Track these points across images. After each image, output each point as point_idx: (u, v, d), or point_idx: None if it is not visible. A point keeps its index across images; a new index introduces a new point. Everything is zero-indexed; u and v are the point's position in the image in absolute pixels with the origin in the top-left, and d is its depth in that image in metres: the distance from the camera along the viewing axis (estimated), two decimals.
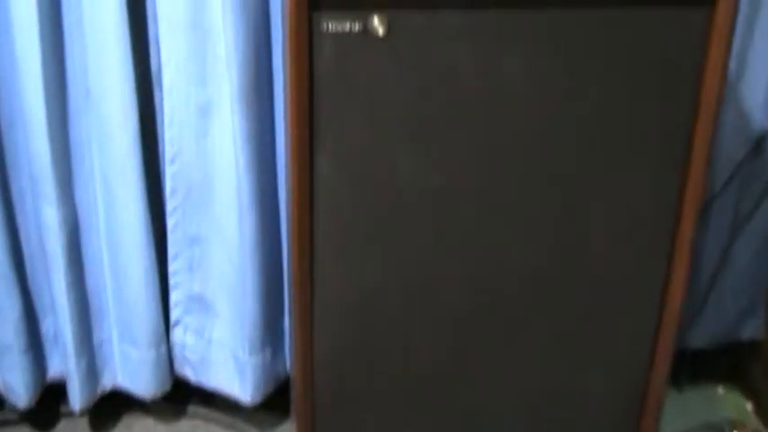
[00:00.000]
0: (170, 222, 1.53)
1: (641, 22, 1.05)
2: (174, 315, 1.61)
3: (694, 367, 1.79)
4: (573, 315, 1.19)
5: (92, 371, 1.60)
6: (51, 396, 1.64)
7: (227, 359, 1.62)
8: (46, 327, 1.60)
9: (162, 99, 1.44)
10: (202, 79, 1.42)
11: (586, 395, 1.24)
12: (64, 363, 1.59)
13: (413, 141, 1.08)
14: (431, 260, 1.15)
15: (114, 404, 1.69)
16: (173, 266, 1.57)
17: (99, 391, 1.63)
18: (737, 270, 1.70)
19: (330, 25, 1.01)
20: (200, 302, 1.60)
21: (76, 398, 1.59)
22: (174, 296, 1.59)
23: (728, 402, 1.77)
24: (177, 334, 1.63)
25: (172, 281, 1.58)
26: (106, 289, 1.58)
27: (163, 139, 1.47)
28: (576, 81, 1.07)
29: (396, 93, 1.05)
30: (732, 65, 1.51)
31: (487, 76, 1.06)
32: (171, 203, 1.51)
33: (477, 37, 1.04)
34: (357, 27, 1.02)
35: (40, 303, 1.58)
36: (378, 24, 1.02)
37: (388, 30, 1.02)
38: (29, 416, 1.67)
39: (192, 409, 1.74)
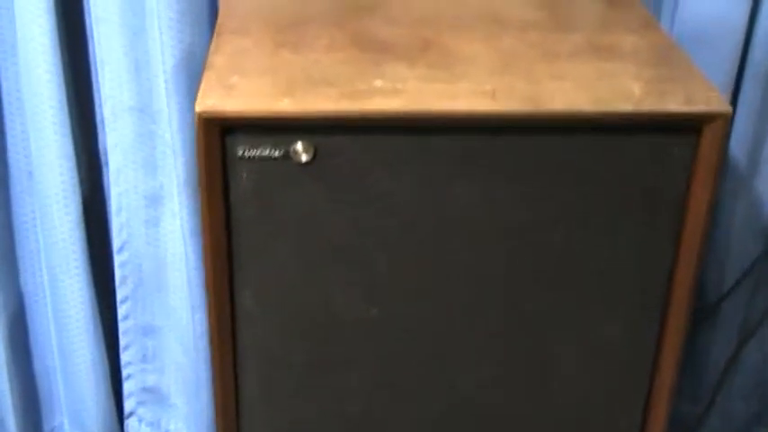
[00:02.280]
0: (121, 312, 1.43)
1: (617, 151, 0.91)
2: (127, 406, 1.51)
3: None
4: None
5: None
6: None
7: None
8: None
9: (109, 185, 1.33)
10: (151, 166, 1.30)
11: None
12: None
13: (348, 273, 0.95)
14: (372, 399, 1.02)
15: None
16: (125, 357, 1.47)
17: None
18: (748, 373, 1.55)
19: (246, 151, 0.88)
20: (154, 394, 1.49)
21: None
22: (127, 387, 1.50)
23: None
24: (132, 426, 1.52)
25: (124, 372, 1.48)
26: (56, 375, 1.48)
27: (111, 227, 1.36)
28: (539, 212, 0.93)
29: (327, 222, 0.92)
30: (743, 159, 1.36)
31: (432, 205, 0.92)
32: (121, 292, 1.41)
33: (420, 162, 0.90)
34: (278, 153, 0.89)
35: None
36: (302, 150, 0.88)
37: (315, 155, 0.89)
38: None
39: None
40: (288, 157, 0.89)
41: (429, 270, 0.96)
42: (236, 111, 0.87)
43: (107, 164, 1.32)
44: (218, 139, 0.88)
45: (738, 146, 1.34)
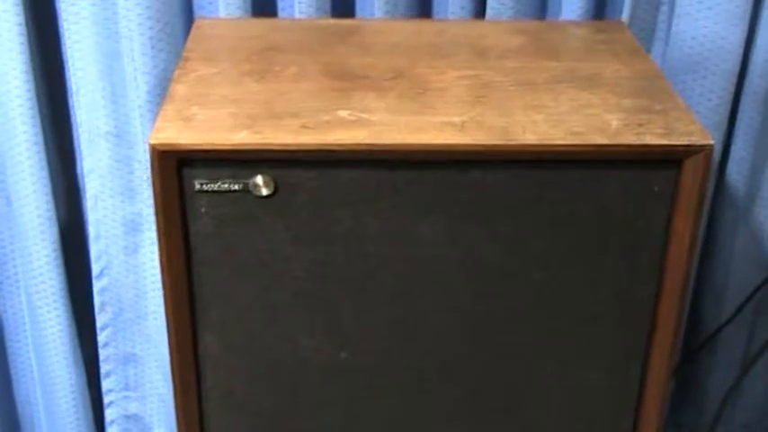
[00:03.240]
0: (101, 339, 1.40)
1: (594, 186, 0.87)
2: None
3: None
4: None
5: None
6: None
7: None
8: None
9: (87, 212, 1.30)
10: (129, 192, 1.27)
11: None
12: None
13: (313, 316, 0.91)
14: None
15: None
16: (105, 384, 1.44)
17: None
18: (749, 403, 1.50)
19: (204, 184, 0.85)
20: (136, 422, 1.46)
21: None
22: (109, 415, 1.47)
23: None
24: None
25: (106, 399, 1.46)
26: (38, 402, 1.45)
27: (90, 254, 1.33)
28: (513, 252, 0.89)
29: (289, 262, 0.89)
30: (742, 186, 1.31)
31: (399, 244, 0.88)
32: (101, 319, 1.38)
33: (386, 198, 0.86)
34: (237, 186, 0.85)
35: None
36: (262, 184, 0.85)
37: (275, 189, 0.85)
38: None
39: None
40: (248, 190, 0.86)
41: (398, 313, 0.92)
42: (192, 143, 0.84)
43: (84, 190, 1.29)
44: (175, 172, 0.84)
45: (736, 172, 1.29)
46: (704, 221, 1.36)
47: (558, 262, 0.89)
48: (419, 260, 0.89)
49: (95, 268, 1.34)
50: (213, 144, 0.83)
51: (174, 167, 0.84)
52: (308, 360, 0.93)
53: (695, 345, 1.48)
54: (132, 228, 1.30)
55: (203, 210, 0.87)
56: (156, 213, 0.86)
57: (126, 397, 1.45)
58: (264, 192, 0.85)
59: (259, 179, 0.85)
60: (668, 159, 0.86)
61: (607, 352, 0.94)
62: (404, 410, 0.97)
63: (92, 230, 1.31)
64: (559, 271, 0.90)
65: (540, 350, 0.94)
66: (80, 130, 1.25)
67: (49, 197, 1.26)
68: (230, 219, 0.87)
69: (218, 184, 0.85)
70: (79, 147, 1.27)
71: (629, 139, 0.85)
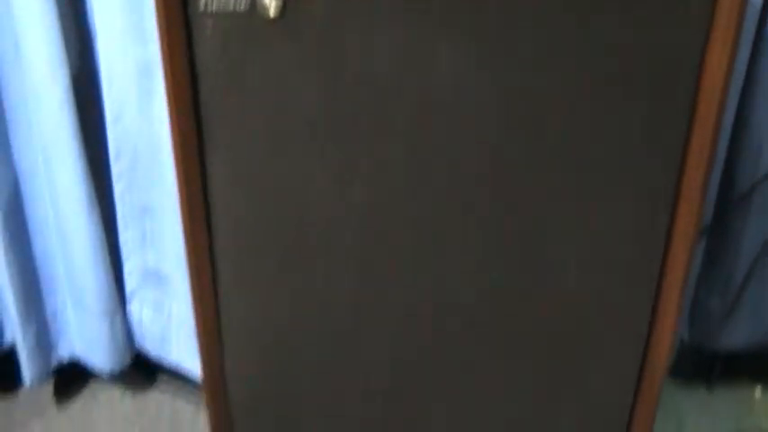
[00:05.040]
0: (117, 189, 1.38)
1: (626, 8, 0.80)
2: (128, 287, 1.48)
3: (728, 366, 1.60)
4: (538, 355, 0.97)
5: (44, 341, 1.49)
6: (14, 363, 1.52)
7: (187, 337, 1.47)
8: None
9: (98, 56, 1.25)
10: (141, 34, 1.23)
11: None
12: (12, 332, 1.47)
13: (324, 146, 0.87)
14: (354, 288, 0.95)
15: (80, 373, 1.57)
16: (123, 237, 1.42)
17: (54, 361, 1.53)
18: None
19: (209, 5, 0.80)
20: (155, 276, 1.45)
21: (26, 369, 1.48)
22: (128, 267, 1.46)
23: (766, 406, 1.56)
24: (134, 307, 1.49)
25: (124, 251, 1.44)
26: (56, 256, 1.44)
27: (102, 101, 1.29)
28: (537, 81, 0.84)
29: (298, 90, 0.84)
30: None
31: (415, 70, 0.83)
32: (116, 168, 1.36)
33: (402, 20, 0.81)
34: (243, 6, 0.80)
35: None
36: (268, 3, 0.80)
37: (283, 11, 0.80)
38: None
39: (160, 380, 1.61)
40: (255, 11, 0.81)
41: (413, 146, 0.87)
42: None
43: (95, 32, 1.25)
44: None
45: None
46: (740, 83, 1.30)
47: (588, 89, 0.84)
48: (437, 86, 0.84)
49: (109, 115, 1.31)
50: None
51: None
52: (317, 194, 0.90)
53: (727, 204, 1.43)
54: (145, 72, 1.26)
55: (209, 33, 0.82)
56: (161, 37, 0.81)
57: (144, 250, 1.43)
58: (272, 12, 0.80)
59: None
60: None
61: (635, 191, 0.89)
62: (418, 251, 0.93)
63: (104, 76, 1.27)
64: (588, 100, 0.84)
65: (565, 185, 0.89)
66: None
67: (59, 40, 1.21)
68: (237, 42, 0.82)
69: (224, 4, 0.80)
70: None
71: None
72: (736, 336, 1.54)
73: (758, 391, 1.62)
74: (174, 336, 1.49)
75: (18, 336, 1.45)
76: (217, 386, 1.03)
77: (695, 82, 0.84)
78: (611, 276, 0.94)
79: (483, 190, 0.89)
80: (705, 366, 1.63)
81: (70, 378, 1.59)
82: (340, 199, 0.89)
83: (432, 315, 0.96)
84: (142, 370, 1.58)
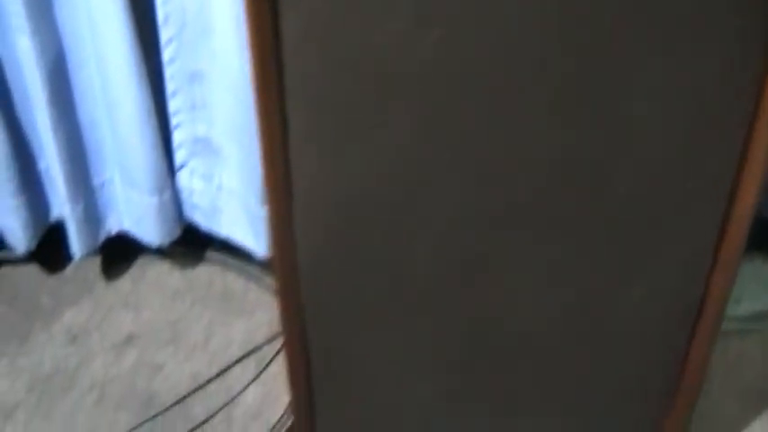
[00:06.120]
0: (166, 55, 1.33)
1: None
2: (178, 158, 1.44)
3: None
4: (612, 217, 0.94)
5: (92, 214, 1.47)
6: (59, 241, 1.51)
7: (238, 208, 1.45)
8: (41, 168, 1.45)
9: None
10: None
11: (626, 314, 1.02)
12: (60, 206, 1.45)
13: None
14: (430, 146, 0.91)
15: (129, 247, 1.56)
16: (173, 104, 1.38)
17: (102, 235, 1.51)
18: None
19: None
20: (205, 145, 1.42)
21: (75, 242, 1.47)
22: (177, 137, 1.42)
23: None
24: (183, 178, 1.46)
25: (173, 120, 1.40)
26: (102, 127, 1.41)
27: None
28: None
29: None
30: None
31: None
32: (165, 33, 1.31)
33: None
34: None
35: (31, 143, 1.42)
36: None
37: None
38: (38, 256, 1.56)
39: (210, 254, 1.60)
40: None
41: None
42: None
43: None
44: None
45: None
46: None
47: None
48: None
49: None
50: None
51: None
52: (391, 44, 0.85)
53: None
54: None
55: None
56: None
57: (194, 118, 1.40)
58: None
59: None
60: None
61: (723, 46, 0.84)
62: (492, 111, 0.89)
63: None
64: None
65: (652, 38, 0.84)
66: None
67: None
68: None
69: None
70: None
71: None
72: None
73: None
74: (224, 207, 1.47)
75: (66, 209, 1.43)
76: (285, 248, 1.01)
77: None
78: (696, 138, 0.90)
79: (567, 32, 0.84)
80: (764, 236, 1.61)
81: (119, 253, 1.57)
82: (413, 47, 0.85)
83: (504, 182, 0.93)
84: (191, 244, 1.56)
